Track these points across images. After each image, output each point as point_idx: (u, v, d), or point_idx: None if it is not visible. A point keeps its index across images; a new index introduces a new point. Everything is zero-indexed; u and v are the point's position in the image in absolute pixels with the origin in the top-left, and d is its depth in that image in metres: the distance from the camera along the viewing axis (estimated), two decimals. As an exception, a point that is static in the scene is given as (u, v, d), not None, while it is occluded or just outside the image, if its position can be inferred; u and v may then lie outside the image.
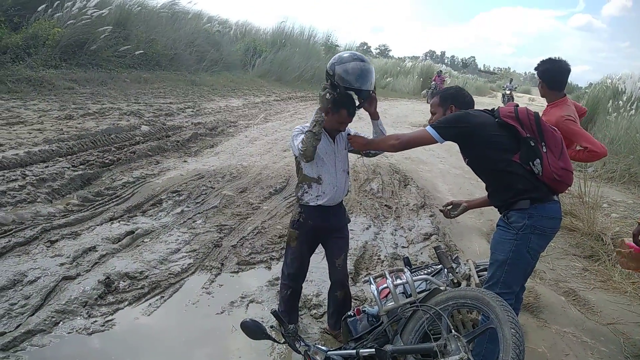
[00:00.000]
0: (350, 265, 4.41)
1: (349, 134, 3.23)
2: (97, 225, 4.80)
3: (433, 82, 24.98)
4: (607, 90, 14.06)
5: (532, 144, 2.65)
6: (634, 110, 11.39)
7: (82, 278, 3.78)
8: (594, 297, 4.39)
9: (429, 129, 2.76)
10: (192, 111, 11.44)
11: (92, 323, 3.28)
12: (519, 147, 2.66)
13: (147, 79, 13.80)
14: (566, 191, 3.22)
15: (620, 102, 11.97)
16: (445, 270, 3.00)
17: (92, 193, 5.61)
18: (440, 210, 3.49)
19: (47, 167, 6.00)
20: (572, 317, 4.03)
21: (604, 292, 4.51)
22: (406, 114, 17.89)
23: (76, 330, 3.19)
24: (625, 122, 10.83)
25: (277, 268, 4.18)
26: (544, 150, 2.66)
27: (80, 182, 5.90)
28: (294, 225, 3.29)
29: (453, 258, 3.25)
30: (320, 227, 3.24)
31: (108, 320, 3.35)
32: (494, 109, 2.85)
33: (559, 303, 4.23)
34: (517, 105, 2.85)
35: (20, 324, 3.13)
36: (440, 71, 27.33)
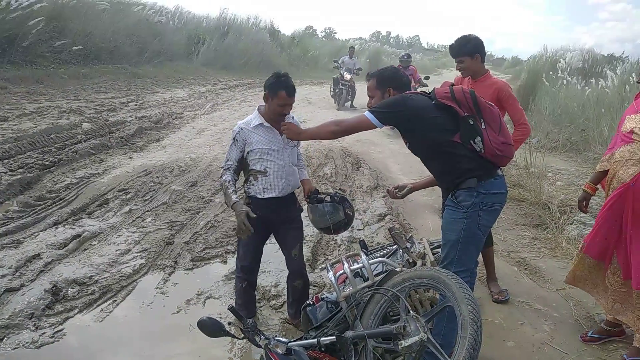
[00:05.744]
0: (307, 252, 4.39)
1: (282, 122, 2.98)
2: (41, 231, 4.58)
3: (343, 72, 14.01)
4: (545, 64, 14.52)
5: (472, 122, 2.64)
6: (572, 80, 11.81)
7: (27, 288, 3.59)
8: (545, 264, 4.54)
9: (367, 114, 2.69)
10: (136, 105, 11.06)
11: (40, 335, 3.12)
12: (458, 127, 2.65)
13: (86, 74, 13.21)
14: (513, 162, 3.28)
15: (559, 73, 12.34)
16: (400, 250, 3.01)
17: (33, 197, 5.34)
18: (387, 191, 3.54)
19: (-19, 173, 5.67)
20: (525, 286, 4.15)
21: (553, 259, 4.67)
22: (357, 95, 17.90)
23: (23, 345, 3.03)
24: (563, 93, 11.22)
25: (233, 261, 4.10)
26: (483, 127, 2.67)
27: (20, 186, 5.59)
28: None
29: (407, 238, 3.28)
30: (270, 218, 3.18)
31: (58, 331, 3.20)
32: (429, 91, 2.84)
33: (512, 273, 4.35)
34: (452, 85, 2.86)
35: (-39, 343, 2.95)
36: (352, 47, 15.93)
